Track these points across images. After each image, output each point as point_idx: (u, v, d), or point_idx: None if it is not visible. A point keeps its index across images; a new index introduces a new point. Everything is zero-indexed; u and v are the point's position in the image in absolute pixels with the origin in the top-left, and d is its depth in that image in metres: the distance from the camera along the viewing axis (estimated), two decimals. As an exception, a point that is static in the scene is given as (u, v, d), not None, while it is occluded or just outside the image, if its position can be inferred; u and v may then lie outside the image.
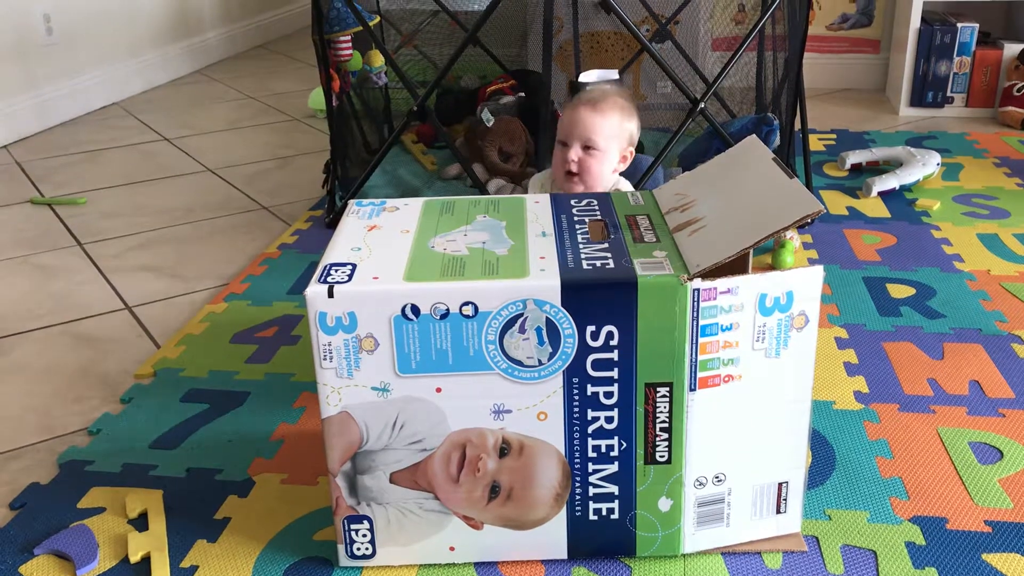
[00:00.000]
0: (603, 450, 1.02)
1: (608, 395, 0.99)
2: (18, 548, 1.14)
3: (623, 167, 1.58)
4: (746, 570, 1.07)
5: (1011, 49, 2.83)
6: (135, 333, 1.70)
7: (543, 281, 0.96)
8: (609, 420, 1.00)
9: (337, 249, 1.04)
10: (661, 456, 1.02)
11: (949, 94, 2.90)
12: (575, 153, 1.52)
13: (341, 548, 1.08)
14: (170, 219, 2.25)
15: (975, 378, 1.45)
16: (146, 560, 1.11)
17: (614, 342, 0.97)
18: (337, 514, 1.06)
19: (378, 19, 2.42)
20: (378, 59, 2.23)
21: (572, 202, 1.16)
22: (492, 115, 2.27)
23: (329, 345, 0.97)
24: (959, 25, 2.82)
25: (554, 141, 1.59)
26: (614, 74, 2.12)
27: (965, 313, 1.64)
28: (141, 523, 1.18)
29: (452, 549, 1.08)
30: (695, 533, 1.07)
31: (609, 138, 1.52)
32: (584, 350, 0.97)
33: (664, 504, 1.05)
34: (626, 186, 1.62)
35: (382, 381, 0.99)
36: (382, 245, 1.05)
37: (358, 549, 1.07)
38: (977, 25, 2.84)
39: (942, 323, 1.61)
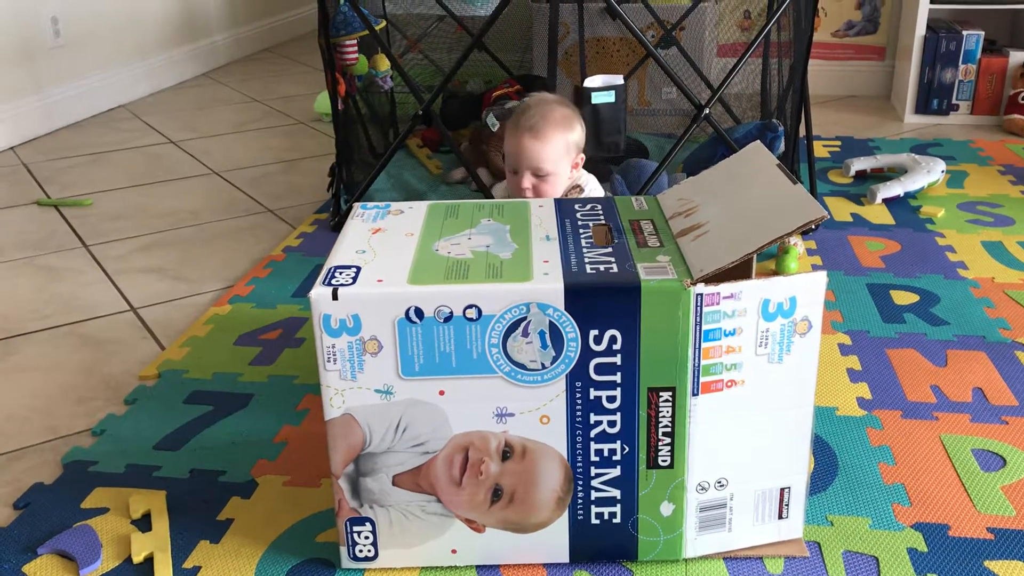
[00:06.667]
0: (605, 454, 1.02)
1: (611, 399, 1.00)
2: (22, 548, 1.15)
3: (578, 171, 1.65)
4: (748, 575, 1.07)
5: (1016, 57, 2.83)
6: (140, 335, 1.70)
7: (547, 285, 0.96)
8: (612, 424, 1.01)
9: (341, 252, 1.05)
10: (663, 461, 1.02)
11: (954, 101, 2.90)
12: (527, 181, 1.60)
13: (343, 550, 1.08)
14: (175, 221, 2.25)
15: (978, 385, 1.45)
16: (149, 560, 1.12)
17: (617, 346, 0.97)
18: (340, 516, 1.06)
19: (384, 23, 2.43)
20: (384, 63, 2.23)
21: (576, 207, 1.16)
22: (497, 120, 2.27)
23: (333, 347, 0.98)
24: (964, 33, 2.82)
25: None
26: (619, 79, 2.13)
27: (969, 320, 1.64)
28: (144, 524, 1.18)
29: (454, 552, 1.08)
30: (697, 538, 1.07)
31: (556, 161, 1.59)
32: (587, 354, 0.98)
33: (666, 509, 1.05)
34: (588, 179, 1.67)
35: (385, 383, 0.99)
36: (386, 248, 1.05)
37: (360, 551, 1.08)
38: (983, 33, 2.84)
39: (946, 330, 1.61)
